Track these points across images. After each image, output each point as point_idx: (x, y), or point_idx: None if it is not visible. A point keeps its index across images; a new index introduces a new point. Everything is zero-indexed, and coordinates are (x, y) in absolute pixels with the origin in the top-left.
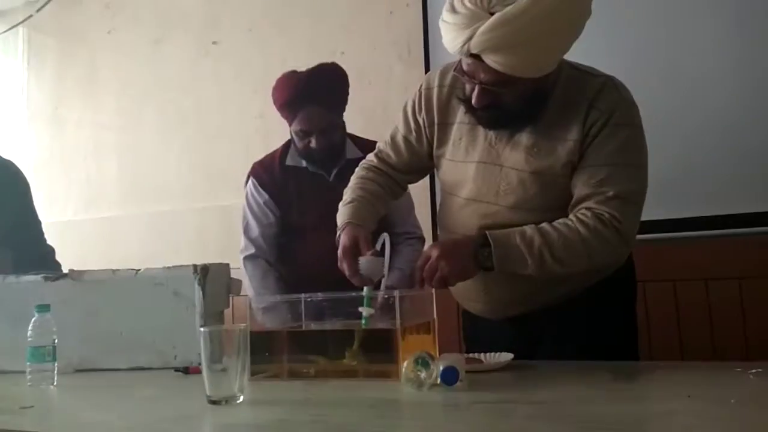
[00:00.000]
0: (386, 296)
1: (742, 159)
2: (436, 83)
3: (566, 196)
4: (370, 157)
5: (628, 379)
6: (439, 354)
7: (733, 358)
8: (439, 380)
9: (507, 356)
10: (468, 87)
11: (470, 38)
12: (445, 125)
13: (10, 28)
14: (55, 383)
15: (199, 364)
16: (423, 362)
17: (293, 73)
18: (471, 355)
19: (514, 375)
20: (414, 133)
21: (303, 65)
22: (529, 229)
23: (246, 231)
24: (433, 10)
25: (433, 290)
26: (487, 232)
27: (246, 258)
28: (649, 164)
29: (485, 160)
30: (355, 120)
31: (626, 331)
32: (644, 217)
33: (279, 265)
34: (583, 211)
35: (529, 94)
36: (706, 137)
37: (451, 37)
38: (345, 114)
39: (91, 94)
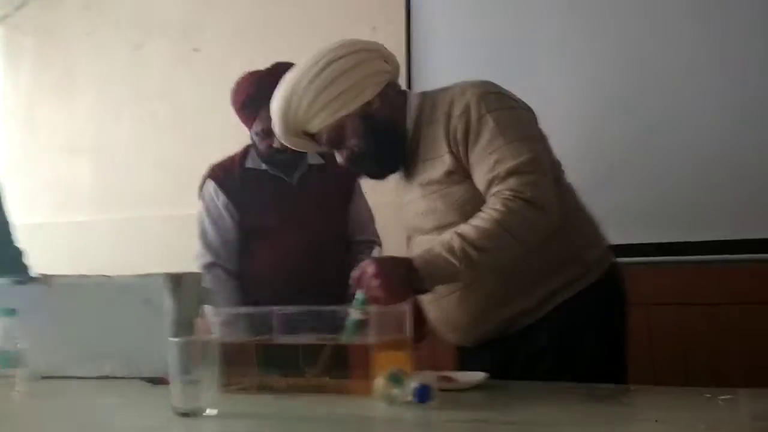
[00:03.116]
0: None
1: (729, 184)
2: None
3: (473, 199)
4: None
5: (598, 402)
6: (413, 371)
7: (705, 384)
8: (411, 397)
9: (480, 375)
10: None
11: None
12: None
13: None
14: (19, 390)
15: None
16: (396, 379)
17: (252, 73)
18: (444, 373)
19: (486, 394)
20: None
21: None
22: (447, 236)
23: (202, 236)
24: (417, 27)
25: (407, 307)
26: (413, 256)
27: (203, 267)
28: (643, 186)
29: (407, 200)
30: None
31: (605, 352)
32: (622, 241)
33: (237, 271)
34: (490, 198)
35: (362, 130)
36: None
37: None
38: None
39: (67, 96)
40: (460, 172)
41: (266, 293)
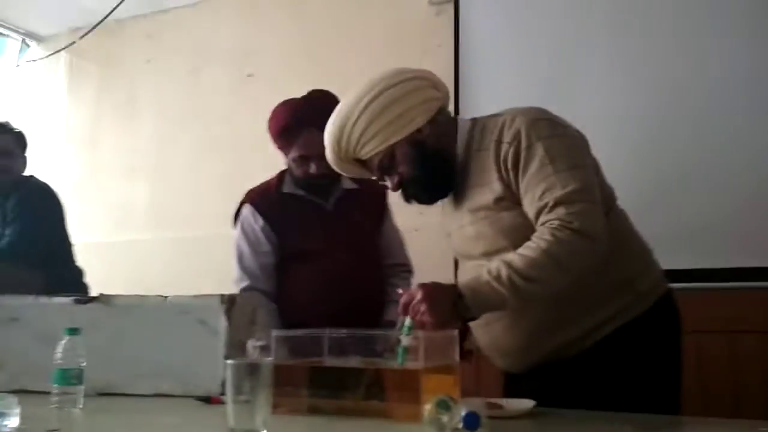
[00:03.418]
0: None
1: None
2: None
3: (522, 227)
4: None
5: None
6: (461, 397)
7: (756, 415)
8: (461, 425)
9: (528, 403)
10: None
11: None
12: (444, 211)
13: (53, 53)
14: (79, 406)
15: (221, 394)
16: (445, 405)
17: (288, 101)
18: (492, 400)
19: (536, 422)
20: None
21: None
22: (495, 264)
23: (240, 260)
24: (465, 50)
25: (456, 332)
26: (459, 283)
27: (241, 291)
28: (693, 211)
29: (456, 227)
30: None
31: (658, 382)
32: (673, 266)
33: (274, 294)
34: (539, 228)
35: (412, 156)
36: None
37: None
38: None
39: (128, 120)
40: (510, 198)
41: (303, 317)
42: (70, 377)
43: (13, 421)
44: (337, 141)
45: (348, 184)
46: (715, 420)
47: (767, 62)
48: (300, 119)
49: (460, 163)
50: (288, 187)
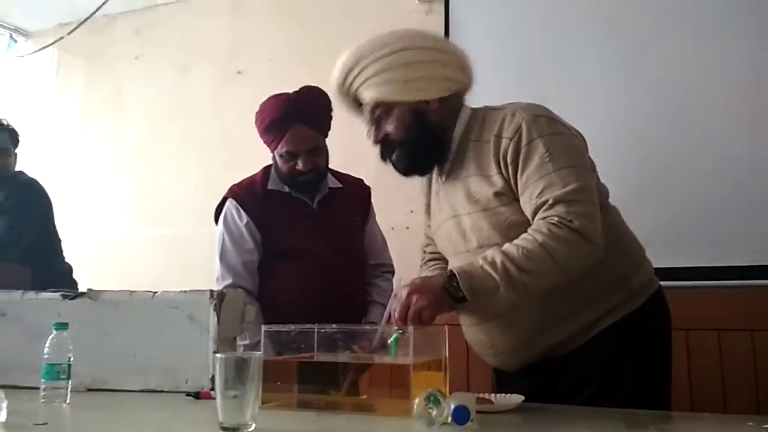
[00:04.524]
0: (401, 332)
1: (760, 210)
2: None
3: (519, 224)
4: (423, 255)
5: (638, 428)
6: (450, 392)
7: (745, 411)
8: (450, 419)
9: (518, 398)
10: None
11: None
12: (429, 205)
13: (40, 49)
14: (67, 401)
15: (211, 389)
16: (434, 400)
17: (278, 95)
18: (481, 395)
19: (524, 417)
20: (427, 221)
21: None
22: (490, 252)
23: (222, 258)
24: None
25: (446, 327)
26: (454, 267)
27: (224, 288)
28: (670, 210)
29: (448, 216)
30: (375, 154)
31: (648, 378)
32: (664, 264)
33: (257, 293)
34: (537, 222)
35: (408, 122)
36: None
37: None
38: (360, 147)
39: (116, 116)
40: (509, 194)
41: (285, 315)
42: (58, 372)
43: (1, 416)
44: (348, 70)
45: (333, 183)
46: (703, 415)
47: (755, 62)
48: (288, 114)
49: (455, 150)
50: (273, 184)
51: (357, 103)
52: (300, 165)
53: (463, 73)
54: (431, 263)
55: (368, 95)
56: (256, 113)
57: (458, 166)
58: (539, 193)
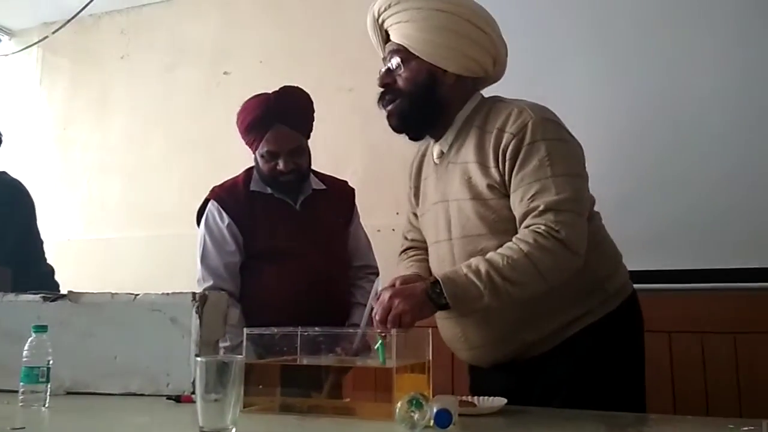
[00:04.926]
0: (383, 334)
1: (742, 213)
2: (414, 156)
3: (506, 219)
4: (403, 242)
5: (619, 431)
6: (433, 395)
7: (728, 414)
8: (432, 422)
9: (500, 401)
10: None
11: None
12: (418, 188)
13: (24, 48)
14: (46, 405)
15: (192, 392)
16: (417, 403)
17: (259, 95)
18: (464, 398)
19: (506, 420)
20: (412, 207)
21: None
22: (474, 260)
23: (204, 259)
24: None
25: (429, 330)
26: (437, 274)
27: (205, 290)
28: (653, 213)
29: (436, 200)
30: (362, 156)
31: (623, 381)
32: (645, 267)
33: (239, 295)
34: (522, 230)
35: (420, 79)
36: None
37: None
38: (353, 149)
39: (101, 117)
40: (501, 188)
41: (268, 317)
42: (37, 375)
43: None
44: (389, 5)
45: (316, 185)
46: (683, 417)
47: (750, 66)
48: (268, 114)
49: (456, 133)
50: (255, 185)
51: (385, 38)
52: (281, 165)
53: (492, 63)
54: (411, 252)
55: (396, 36)
56: (237, 113)
57: (457, 151)
58: (531, 196)
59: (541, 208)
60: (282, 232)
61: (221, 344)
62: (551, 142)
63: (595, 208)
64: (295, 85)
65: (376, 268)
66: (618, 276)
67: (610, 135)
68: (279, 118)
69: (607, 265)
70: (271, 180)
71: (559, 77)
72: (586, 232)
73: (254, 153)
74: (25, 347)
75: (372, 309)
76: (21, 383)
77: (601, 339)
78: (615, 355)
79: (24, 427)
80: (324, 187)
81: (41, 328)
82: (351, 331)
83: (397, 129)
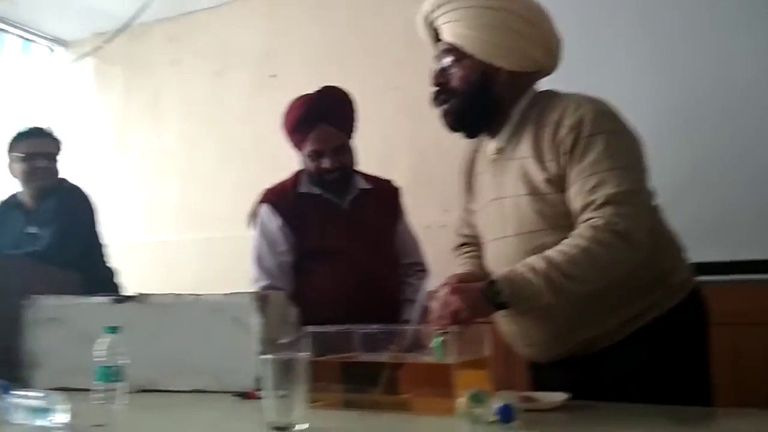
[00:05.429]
0: (442, 331)
1: None
2: (466, 153)
3: (565, 215)
4: (456, 238)
5: (686, 425)
6: (492, 391)
7: None
8: (495, 417)
9: (562, 396)
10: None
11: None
12: (471, 185)
13: (79, 58)
14: (121, 402)
15: (256, 389)
16: (479, 399)
17: (302, 96)
18: (525, 393)
19: (570, 415)
20: (465, 204)
21: (357, 99)
22: (531, 258)
23: (258, 260)
24: None
25: (487, 326)
26: (494, 274)
27: (260, 290)
28: (713, 202)
29: (493, 197)
30: (409, 154)
31: (689, 375)
32: (707, 259)
33: (291, 294)
34: (580, 225)
35: (473, 78)
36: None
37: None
38: (400, 147)
39: (155, 122)
40: (559, 183)
41: (320, 314)
42: (112, 374)
43: (63, 417)
44: (439, 4)
45: (363, 184)
46: (750, 411)
47: None
48: (312, 114)
49: (513, 128)
50: (304, 187)
51: (435, 37)
52: (326, 163)
53: (547, 56)
54: (465, 248)
55: (448, 36)
56: (283, 115)
57: (513, 146)
58: (589, 190)
59: (599, 201)
60: (331, 231)
61: (279, 341)
62: (609, 134)
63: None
64: (341, 85)
65: (425, 264)
66: (681, 269)
67: (659, 124)
68: (321, 117)
69: (669, 259)
70: (317, 179)
71: (602, 68)
72: (647, 225)
73: (301, 154)
74: (99, 347)
75: (424, 306)
76: (96, 382)
77: (665, 333)
78: (679, 349)
79: (104, 424)
80: (370, 186)
81: (114, 329)
82: (406, 327)
83: (453, 128)
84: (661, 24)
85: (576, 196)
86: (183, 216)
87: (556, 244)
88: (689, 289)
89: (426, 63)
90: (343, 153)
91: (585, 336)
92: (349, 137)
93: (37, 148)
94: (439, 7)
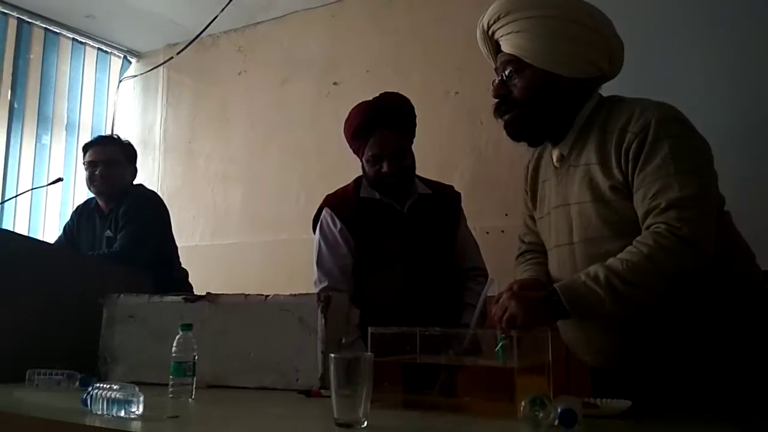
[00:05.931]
0: (504, 336)
1: None
2: (530, 160)
3: (630, 221)
4: (520, 245)
5: None
6: (554, 396)
7: None
8: (556, 422)
9: (625, 403)
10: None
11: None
12: (535, 191)
13: (151, 69)
14: (193, 396)
15: (320, 387)
16: (541, 403)
17: (361, 103)
18: (586, 399)
19: (633, 423)
20: (529, 210)
21: (417, 105)
22: (593, 267)
23: (319, 263)
24: None
25: (549, 332)
26: (555, 285)
27: (321, 291)
28: None
29: (557, 204)
30: (469, 159)
31: (759, 383)
32: None
33: (352, 296)
34: (644, 232)
35: (536, 87)
36: None
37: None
38: (461, 152)
39: (222, 130)
40: (625, 189)
41: (379, 316)
42: (185, 369)
43: (139, 408)
44: (498, 16)
45: (422, 189)
46: None
47: None
48: (371, 119)
49: (577, 135)
50: (364, 192)
51: (495, 49)
52: (385, 167)
53: (609, 61)
54: (528, 255)
55: (508, 47)
56: (344, 122)
57: (578, 153)
58: (653, 195)
59: (662, 206)
60: (390, 235)
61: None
62: (675, 139)
63: (726, 208)
64: (401, 91)
65: (485, 269)
66: (751, 276)
67: (731, 128)
68: (380, 122)
69: (739, 265)
70: (377, 183)
71: (673, 74)
72: (714, 230)
73: (361, 160)
74: (174, 344)
75: (482, 310)
76: (171, 377)
77: (735, 342)
78: (749, 358)
79: (178, 416)
80: (430, 191)
81: (187, 327)
82: (468, 331)
83: (516, 138)
84: (732, 31)
85: (640, 202)
86: (247, 220)
87: (621, 251)
88: (760, 297)
89: (486, 68)
90: (403, 157)
91: (650, 343)
92: (408, 142)
93: (97, 156)
94: (498, 19)
